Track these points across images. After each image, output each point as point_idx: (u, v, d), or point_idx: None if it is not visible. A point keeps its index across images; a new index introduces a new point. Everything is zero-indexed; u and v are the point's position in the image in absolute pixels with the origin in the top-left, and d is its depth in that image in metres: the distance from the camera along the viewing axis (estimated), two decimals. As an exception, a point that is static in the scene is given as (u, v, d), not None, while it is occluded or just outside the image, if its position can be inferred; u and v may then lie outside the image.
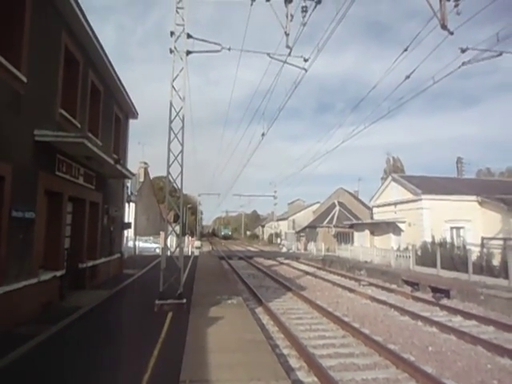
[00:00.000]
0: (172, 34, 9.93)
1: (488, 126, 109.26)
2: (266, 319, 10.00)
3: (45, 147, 8.29)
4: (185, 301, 9.03)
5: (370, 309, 11.70)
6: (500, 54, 9.42)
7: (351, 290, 14.92)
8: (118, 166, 11.76)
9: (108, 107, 14.05)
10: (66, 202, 9.97)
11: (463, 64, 9.45)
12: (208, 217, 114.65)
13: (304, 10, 9.28)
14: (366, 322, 9.93)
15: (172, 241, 28.88)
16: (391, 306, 11.73)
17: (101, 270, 13.00)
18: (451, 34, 8.33)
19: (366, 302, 12.74)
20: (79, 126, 10.55)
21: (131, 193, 25.39)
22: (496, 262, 15.85)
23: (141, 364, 5.25)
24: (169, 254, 10.20)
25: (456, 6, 8.26)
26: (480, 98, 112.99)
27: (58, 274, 9.28)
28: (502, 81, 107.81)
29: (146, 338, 6.56)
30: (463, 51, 9.34)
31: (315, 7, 9.07)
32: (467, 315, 10.63)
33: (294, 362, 6.83)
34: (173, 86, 9.81)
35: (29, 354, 5.71)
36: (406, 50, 9.42)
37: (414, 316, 10.32)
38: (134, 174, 16.98)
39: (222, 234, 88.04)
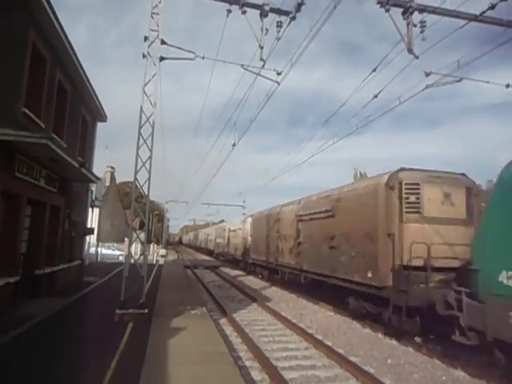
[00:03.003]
0: (146, 38, 9.85)
1: (448, 147, 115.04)
2: (229, 330, 9.89)
3: (4, 147, 7.91)
4: (147, 311, 8.79)
5: (334, 321, 11.83)
6: (460, 80, 9.97)
7: (315, 302, 15.05)
8: (83, 170, 11.40)
9: (75, 108, 13.64)
10: (24, 205, 9.52)
11: (427, 87, 9.92)
12: (175, 224, 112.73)
13: (279, 24, 9.47)
14: (329, 333, 10.02)
15: (137, 248, 28.17)
16: (354, 318, 11.92)
17: (59, 277, 12.45)
18: (416, 57, 8.75)
19: (330, 314, 12.89)
20: (43, 126, 10.17)
21: (96, 197, 24.59)
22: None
23: (96, 377, 5.04)
24: (132, 261, 9.93)
25: (422, 32, 8.71)
26: (442, 120, 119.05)
27: (12, 280, 8.79)
28: (462, 105, 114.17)
29: (103, 349, 6.31)
30: (427, 75, 9.81)
31: (290, 23, 9.28)
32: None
33: (257, 374, 6.77)
34: (144, 91, 9.69)
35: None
36: (374, 70, 9.78)
37: (375, 328, 10.53)
38: (99, 179, 16.52)
39: None
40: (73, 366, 5.60)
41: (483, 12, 8.29)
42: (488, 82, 10.58)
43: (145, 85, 9.73)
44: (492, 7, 8.08)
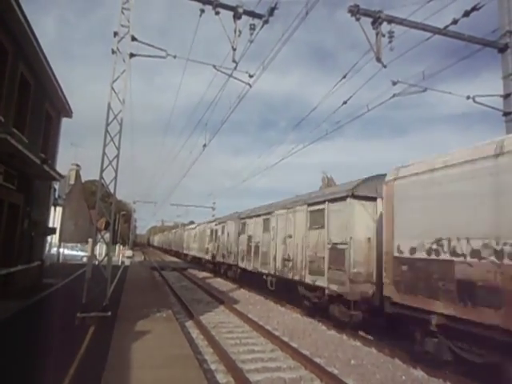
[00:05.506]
0: (115, 34, 9.60)
1: (414, 154, 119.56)
2: (195, 333, 9.76)
3: (-41, 140, 7.47)
4: (110, 314, 8.52)
5: (300, 323, 11.95)
6: (425, 90, 10.36)
7: (282, 304, 15.15)
8: (45, 167, 10.94)
9: (39, 103, 13.09)
10: (-21, 202, 9.01)
11: (394, 96, 10.24)
12: (142, 225, 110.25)
13: (252, 27, 9.51)
14: (295, 335, 10.11)
15: (101, 249, 27.31)
16: (319, 320, 12.08)
17: (17, 279, 11.86)
18: (384, 66, 9.05)
19: (297, 316, 13.01)
20: (3, 120, 9.70)
21: (59, 196, 23.67)
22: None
23: None
24: (96, 263, 9.61)
25: (390, 42, 9.02)
26: (408, 128, 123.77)
27: (-36, 282, 8.30)
28: (427, 114, 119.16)
29: (62, 354, 6.05)
30: (394, 84, 10.13)
31: (262, 26, 9.34)
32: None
33: (221, 377, 6.71)
34: (112, 88, 9.44)
35: None
36: (344, 77, 9.99)
37: (340, 330, 10.73)
38: (62, 176, 15.91)
39: None
40: (28, 373, 5.33)
41: (447, 26, 8.69)
42: (450, 93, 11.06)
43: (113, 81, 9.48)
44: (455, 22, 8.49)
